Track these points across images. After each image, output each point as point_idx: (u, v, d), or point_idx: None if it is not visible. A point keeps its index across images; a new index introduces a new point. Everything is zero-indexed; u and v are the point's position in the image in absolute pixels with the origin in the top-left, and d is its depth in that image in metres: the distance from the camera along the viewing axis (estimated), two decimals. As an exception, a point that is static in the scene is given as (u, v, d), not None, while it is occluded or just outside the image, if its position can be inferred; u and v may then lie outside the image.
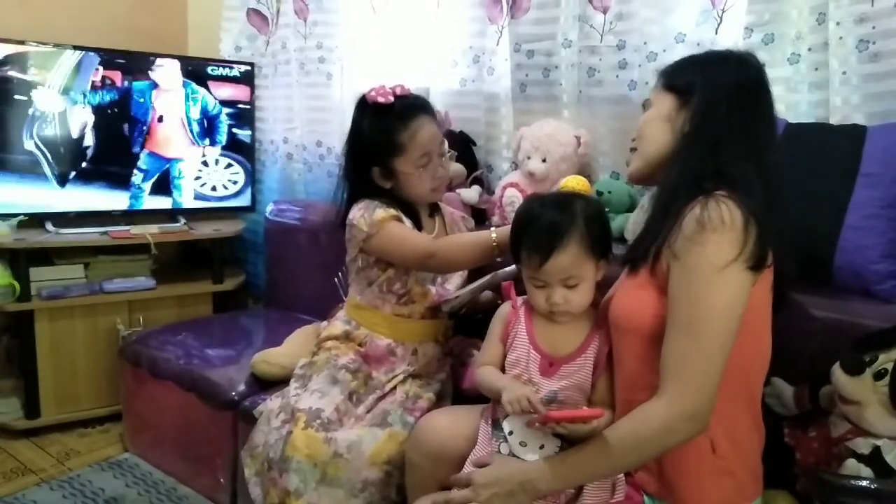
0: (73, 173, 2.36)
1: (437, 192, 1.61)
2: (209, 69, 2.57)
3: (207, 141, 2.58)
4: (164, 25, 2.87)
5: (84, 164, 2.38)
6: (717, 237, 0.98)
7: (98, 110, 2.38)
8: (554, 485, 1.06)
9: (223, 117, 2.60)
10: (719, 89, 1.09)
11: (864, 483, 1.07)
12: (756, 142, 1.09)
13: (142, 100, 2.45)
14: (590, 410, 1.04)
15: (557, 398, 1.16)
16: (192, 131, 2.54)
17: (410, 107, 1.54)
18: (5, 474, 2.08)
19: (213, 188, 2.60)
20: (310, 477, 1.38)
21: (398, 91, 1.54)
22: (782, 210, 1.09)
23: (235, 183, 2.64)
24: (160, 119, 2.49)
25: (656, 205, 1.13)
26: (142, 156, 2.47)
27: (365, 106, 1.55)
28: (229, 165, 2.62)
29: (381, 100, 1.52)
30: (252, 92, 2.66)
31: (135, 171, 2.47)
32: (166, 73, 2.48)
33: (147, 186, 2.50)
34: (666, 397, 1.00)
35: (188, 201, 2.58)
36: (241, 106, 2.63)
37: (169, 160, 2.52)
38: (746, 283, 1.00)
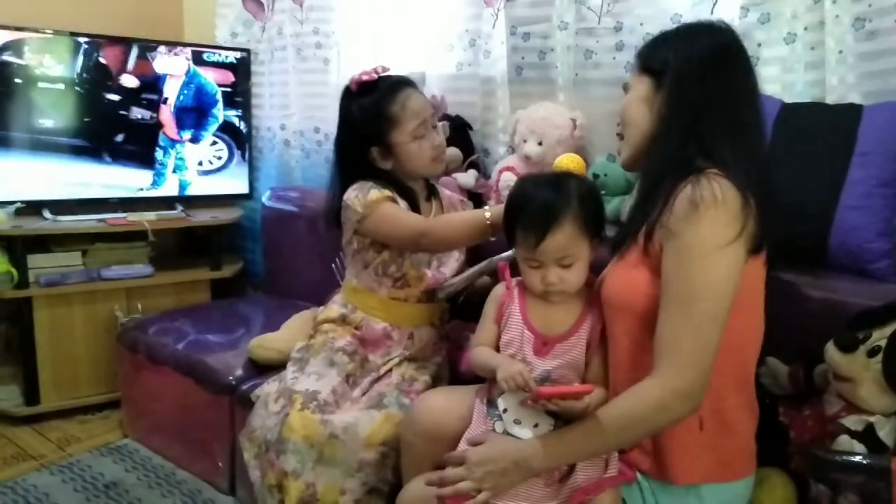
0: (99, 151, 2.43)
1: (437, 162, 1.60)
2: (205, 55, 2.56)
3: (194, 129, 2.58)
4: (161, 12, 2.86)
5: (110, 143, 2.45)
6: (710, 215, 0.98)
7: (109, 92, 2.42)
8: (548, 463, 1.06)
9: (220, 105, 2.60)
10: (692, 63, 1.08)
11: (857, 459, 1.07)
12: (738, 113, 1.07)
13: (154, 83, 2.48)
14: (580, 386, 1.05)
15: (551, 377, 1.16)
16: (183, 115, 2.55)
17: (395, 81, 1.56)
18: (6, 459, 2.10)
19: (200, 163, 2.62)
20: (306, 458, 1.38)
21: (380, 70, 1.56)
22: (770, 184, 1.08)
23: (220, 158, 2.66)
24: (164, 101, 2.51)
25: (643, 187, 1.13)
26: (159, 134, 2.51)
27: (350, 93, 1.57)
28: (214, 143, 2.64)
29: (365, 78, 1.54)
30: (248, 78, 2.65)
31: (157, 148, 2.51)
32: (174, 59, 2.50)
33: (169, 163, 2.54)
34: (660, 376, 1.00)
35: (193, 177, 2.60)
36: (224, 89, 2.62)
37: (173, 141, 2.55)
38: (740, 260, 1.00)
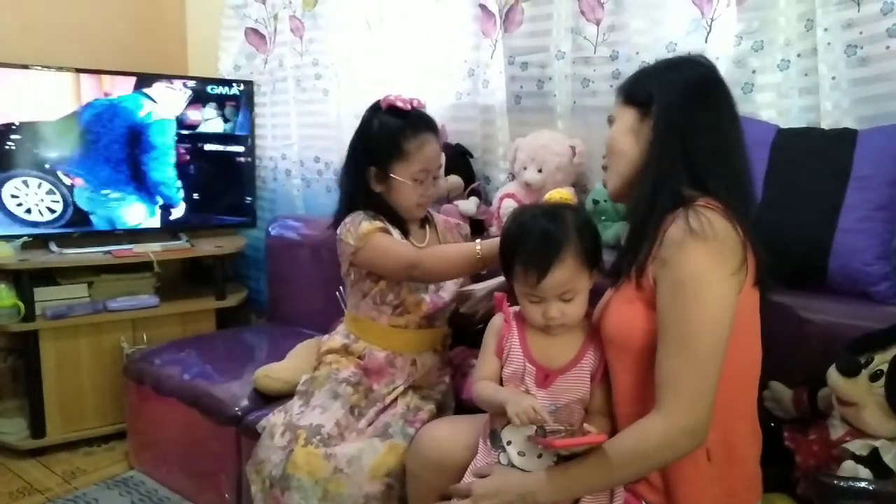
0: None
1: (421, 209, 1.62)
2: (209, 88, 2.60)
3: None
4: (165, 46, 2.92)
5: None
6: (702, 248, 0.99)
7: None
8: (554, 497, 1.06)
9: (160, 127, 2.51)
10: (675, 93, 1.10)
11: (863, 484, 1.07)
12: (724, 138, 1.09)
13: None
14: (594, 437, 1.03)
15: (557, 408, 1.16)
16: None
17: (424, 121, 1.58)
18: (12, 494, 2.09)
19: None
20: (311, 494, 1.38)
21: (415, 104, 1.58)
22: (755, 208, 1.10)
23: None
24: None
25: (633, 218, 1.13)
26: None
27: (378, 108, 1.59)
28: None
29: (399, 104, 1.55)
30: (251, 110, 2.68)
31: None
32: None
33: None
34: (664, 413, 1.00)
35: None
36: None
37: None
38: (733, 291, 1.01)
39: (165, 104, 2.50)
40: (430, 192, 1.60)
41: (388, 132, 1.54)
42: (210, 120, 2.61)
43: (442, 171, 1.66)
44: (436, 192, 1.63)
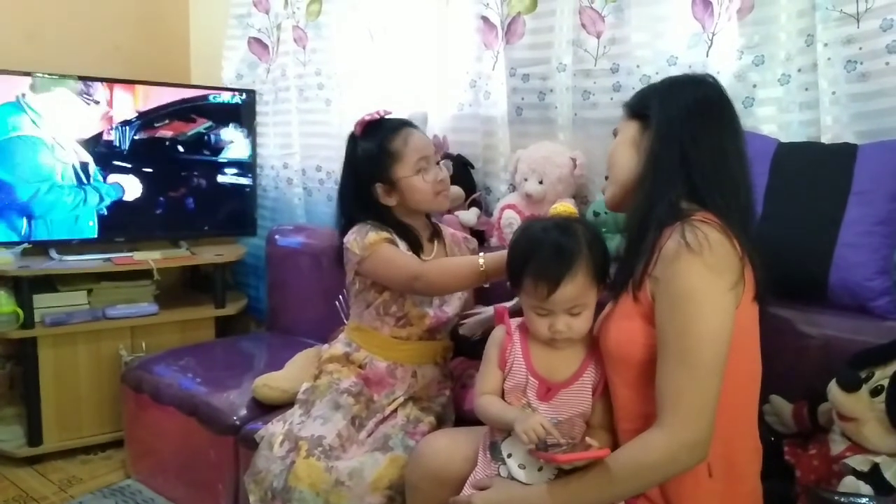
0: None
1: (442, 197, 1.61)
2: (211, 97, 2.61)
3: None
4: (168, 55, 2.93)
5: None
6: (698, 262, 0.99)
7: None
8: None
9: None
10: (677, 108, 1.11)
11: (864, 500, 1.06)
12: (722, 155, 1.10)
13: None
14: (597, 451, 1.03)
15: (559, 421, 1.16)
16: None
17: (397, 122, 1.62)
18: (7, 502, 2.08)
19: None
20: None
21: (382, 112, 1.62)
22: (755, 222, 1.11)
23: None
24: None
25: (630, 231, 1.13)
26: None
27: (355, 137, 1.63)
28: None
29: (368, 118, 1.60)
30: (253, 118, 2.69)
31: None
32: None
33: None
34: (666, 428, 0.99)
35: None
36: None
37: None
38: (731, 306, 1.01)
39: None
40: (440, 176, 1.60)
41: (372, 146, 1.58)
42: (232, 144, 2.65)
43: (439, 158, 1.67)
44: (445, 177, 1.62)
